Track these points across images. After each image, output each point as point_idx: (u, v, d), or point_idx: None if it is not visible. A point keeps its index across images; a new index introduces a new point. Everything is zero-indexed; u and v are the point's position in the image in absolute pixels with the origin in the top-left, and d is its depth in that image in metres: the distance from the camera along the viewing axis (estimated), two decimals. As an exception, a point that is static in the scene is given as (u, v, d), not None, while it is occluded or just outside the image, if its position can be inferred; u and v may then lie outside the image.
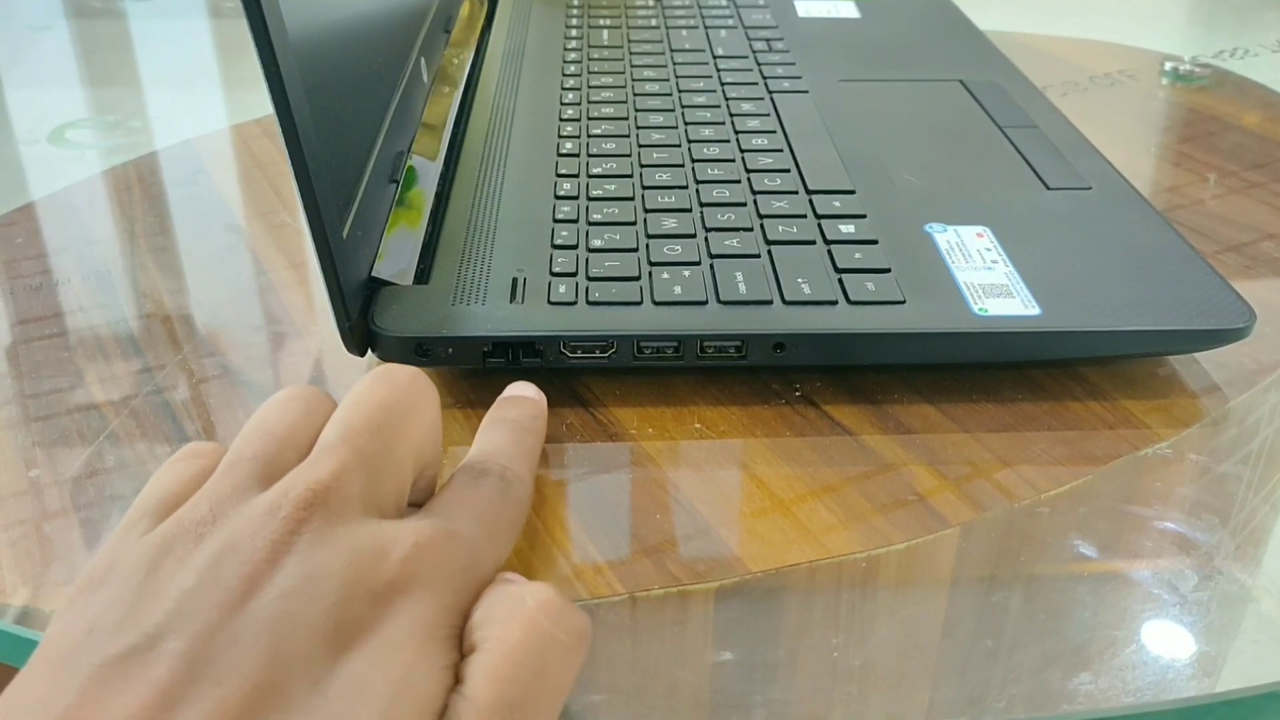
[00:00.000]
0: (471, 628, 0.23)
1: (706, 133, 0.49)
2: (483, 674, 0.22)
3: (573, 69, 0.57)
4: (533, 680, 0.22)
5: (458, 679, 0.22)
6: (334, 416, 0.27)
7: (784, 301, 0.37)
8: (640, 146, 0.48)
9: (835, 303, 0.37)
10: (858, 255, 0.39)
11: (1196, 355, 0.39)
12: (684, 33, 0.63)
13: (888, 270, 0.38)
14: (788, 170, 0.46)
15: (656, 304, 0.37)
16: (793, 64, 0.58)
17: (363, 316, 0.36)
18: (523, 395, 0.34)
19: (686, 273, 0.38)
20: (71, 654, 0.21)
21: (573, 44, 0.61)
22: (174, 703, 0.20)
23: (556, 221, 0.42)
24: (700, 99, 0.53)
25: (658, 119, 0.51)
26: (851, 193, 0.44)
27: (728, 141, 0.48)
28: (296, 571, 0.22)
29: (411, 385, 0.28)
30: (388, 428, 0.26)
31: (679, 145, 0.48)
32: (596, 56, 0.59)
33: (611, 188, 0.44)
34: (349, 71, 0.38)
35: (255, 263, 0.46)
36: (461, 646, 0.23)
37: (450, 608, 0.23)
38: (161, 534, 0.24)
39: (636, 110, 0.52)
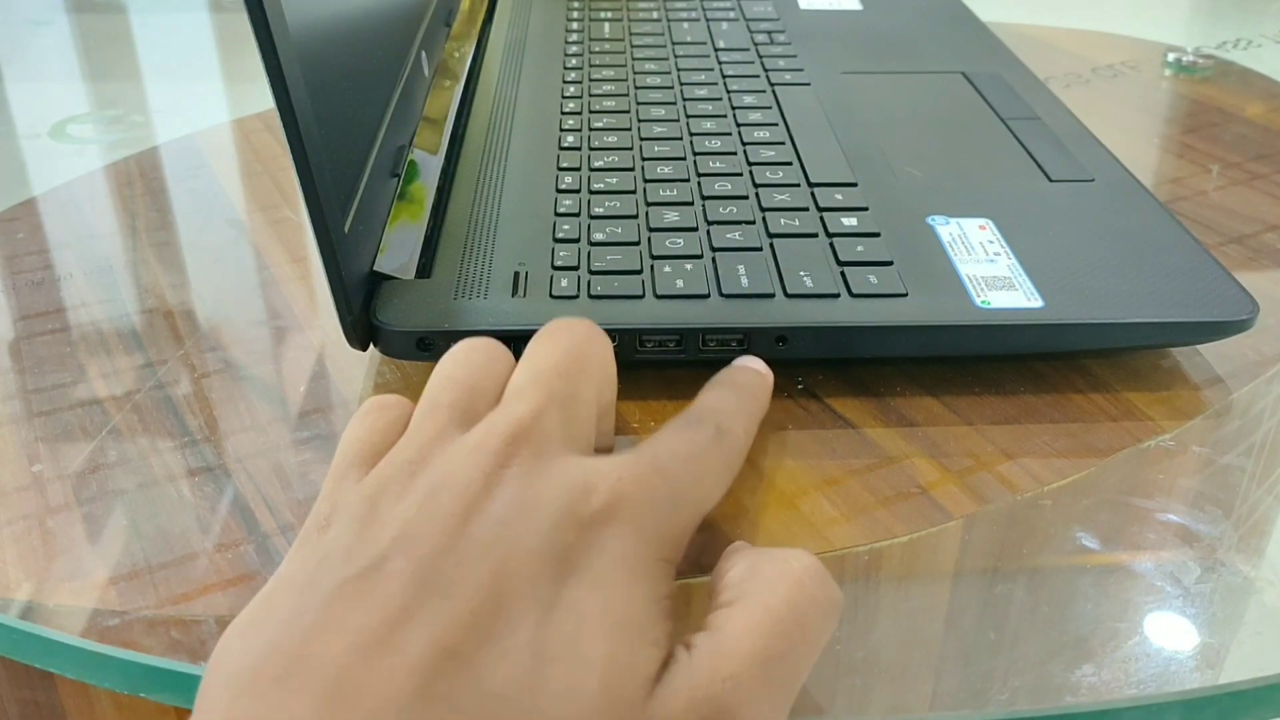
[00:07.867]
0: (729, 584, 0.24)
1: (708, 125, 0.49)
2: (744, 627, 0.23)
3: (574, 62, 0.57)
4: (795, 637, 0.23)
5: (709, 627, 0.23)
6: (521, 364, 0.28)
7: (786, 294, 0.37)
8: (642, 140, 0.48)
9: (837, 295, 0.37)
10: (860, 248, 0.39)
11: (1199, 347, 0.39)
12: (685, 25, 0.63)
13: (890, 263, 0.38)
14: (790, 163, 0.46)
15: (658, 297, 0.37)
16: (794, 56, 0.58)
17: (364, 311, 0.36)
18: (751, 367, 0.34)
19: (688, 266, 0.38)
20: (309, 580, 0.23)
21: (574, 37, 0.61)
22: (408, 615, 0.21)
23: (558, 215, 0.42)
24: (702, 92, 0.53)
25: (659, 112, 0.51)
26: (853, 185, 0.44)
27: (729, 134, 0.48)
28: (510, 500, 0.24)
29: (589, 333, 0.29)
30: (573, 371, 0.28)
31: (680, 138, 0.48)
32: (598, 49, 0.59)
33: (613, 181, 0.44)
34: (350, 65, 0.38)
35: (257, 257, 0.46)
36: (673, 578, 0.24)
37: (653, 541, 0.24)
38: (375, 476, 0.25)
39: (638, 103, 0.52)
